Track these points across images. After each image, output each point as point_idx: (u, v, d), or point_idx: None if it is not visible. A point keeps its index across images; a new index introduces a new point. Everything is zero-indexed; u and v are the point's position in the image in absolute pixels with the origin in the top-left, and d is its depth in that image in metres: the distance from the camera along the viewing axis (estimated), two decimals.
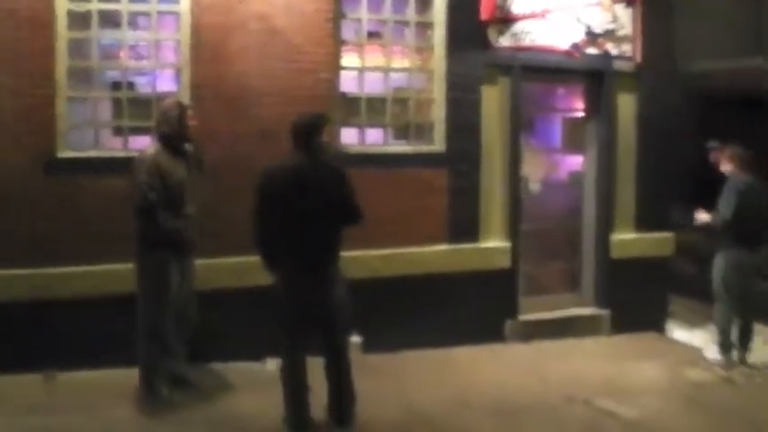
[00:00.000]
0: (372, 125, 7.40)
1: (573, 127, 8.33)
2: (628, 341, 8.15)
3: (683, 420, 6.05)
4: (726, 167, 7.56)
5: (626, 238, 8.32)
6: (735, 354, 7.55)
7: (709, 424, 6.02)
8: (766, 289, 10.07)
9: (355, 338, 6.80)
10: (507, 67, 7.65)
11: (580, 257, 8.36)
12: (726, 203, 7.32)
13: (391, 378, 6.59)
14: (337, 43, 7.08)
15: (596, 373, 7.05)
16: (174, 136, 5.60)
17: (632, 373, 7.10)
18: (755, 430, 5.99)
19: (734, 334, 7.60)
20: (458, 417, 5.86)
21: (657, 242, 8.44)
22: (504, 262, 7.75)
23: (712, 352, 7.69)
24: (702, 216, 7.58)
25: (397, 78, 7.52)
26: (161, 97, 6.29)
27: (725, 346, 7.58)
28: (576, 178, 8.32)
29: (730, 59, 16.56)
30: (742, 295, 7.46)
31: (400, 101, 7.42)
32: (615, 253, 8.25)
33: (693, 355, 7.82)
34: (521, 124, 7.80)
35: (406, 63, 7.52)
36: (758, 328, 8.94)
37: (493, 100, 7.66)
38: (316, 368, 5.14)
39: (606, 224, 8.22)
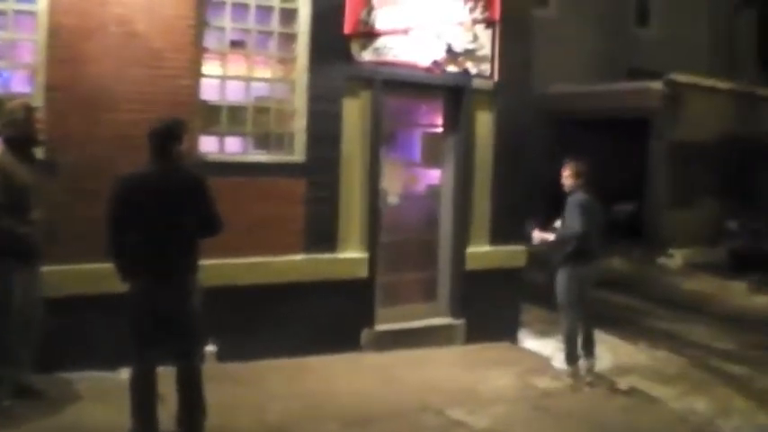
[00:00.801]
0: (233, 133, 7.39)
1: (432, 141, 8.54)
2: (481, 350, 8.41)
3: (530, 428, 6.33)
4: (569, 183, 7.83)
5: (481, 251, 8.60)
6: (582, 363, 7.88)
7: (555, 430, 6.31)
8: (611, 299, 10.67)
9: (210, 347, 6.78)
10: (369, 80, 7.78)
11: (436, 268, 8.57)
12: (574, 218, 7.62)
13: (246, 387, 6.59)
14: (199, 50, 7.03)
15: (450, 383, 7.25)
16: (20, 139, 5.43)
17: (484, 382, 7.34)
18: None
19: (580, 343, 7.93)
20: (311, 427, 5.92)
21: (511, 254, 8.77)
22: (362, 272, 7.87)
23: (560, 361, 8.01)
24: (540, 235, 7.86)
25: (259, 87, 7.54)
26: (10, 98, 6.06)
27: (571, 356, 7.88)
28: (434, 191, 8.54)
29: (585, 83, 17.49)
30: (583, 306, 7.81)
31: (261, 110, 7.43)
32: (470, 264, 8.51)
33: (543, 363, 8.17)
34: (381, 137, 7.95)
35: (268, 73, 7.54)
36: (603, 336, 9.51)
37: (354, 112, 7.78)
38: (168, 378, 5.08)
39: (462, 236, 8.47)
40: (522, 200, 8.90)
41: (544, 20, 18.82)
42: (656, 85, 15.87)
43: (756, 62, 22.34)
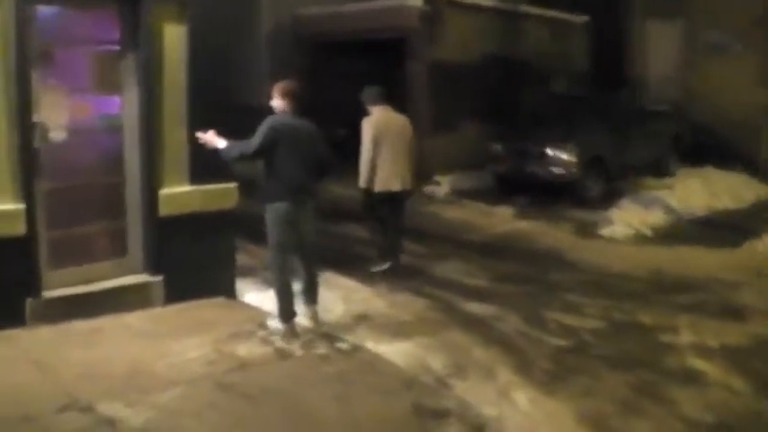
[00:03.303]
0: None
1: (107, 62, 6.94)
2: (183, 311, 7.05)
3: (201, 419, 5.03)
4: (277, 105, 6.77)
5: (178, 191, 7.18)
6: (303, 314, 6.84)
7: (233, 419, 5.06)
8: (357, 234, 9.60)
9: None
10: None
11: (125, 217, 7.07)
12: (255, 136, 6.51)
13: None
14: None
15: (124, 361, 5.84)
16: None
17: (168, 357, 5.97)
18: (293, 420, 5.13)
19: (300, 291, 6.91)
20: None
21: (218, 193, 7.41)
22: (18, 228, 6.24)
23: (275, 319, 6.85)
24: (210, 138, 6.60)
25: None
26: None
27: (285, 312, 6.75)
28: (114, 123, 6.96)
29: (331, 5, 16.28)
30: (303, 247, 6.81)
31: None
32: (166, 209, 7.08)
33: (258, 322, 6.89)
34: (32, 57, 6.27)
35: None
36: (336, 279, 8.42)
37: None
38: None
39: (153, 176, 7.00)
40: (234, 127, 7.46)
41: None
42: (415, 2, 14.82)
43: None
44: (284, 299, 6.72)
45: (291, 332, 6.64)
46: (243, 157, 6.55)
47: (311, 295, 6.98)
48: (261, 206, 6.75)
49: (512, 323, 7.47)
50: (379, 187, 8.99)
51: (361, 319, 7.38)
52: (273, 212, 6.61)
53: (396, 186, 9.04)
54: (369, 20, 15.34)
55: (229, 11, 18.15)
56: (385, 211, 9.18)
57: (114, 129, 6.95)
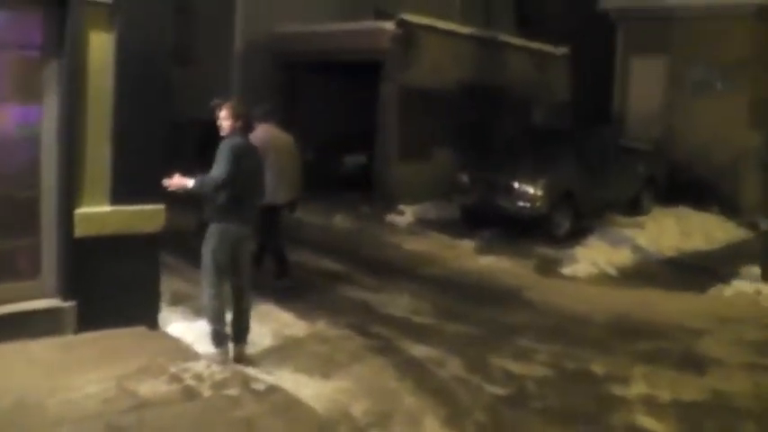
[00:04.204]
0: None
1: (25, 68, 6.45)
2: (95, 341, 6.50)
3: None
4: (226, 125, 6.54)
5: (98, 211, 6.65)
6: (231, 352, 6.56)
7: None
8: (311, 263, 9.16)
9: None
10: None
11: (38, 236, 6.55)
12: (219, 164, 6.31)
13: None
14: None
15: (12, 394, 5.32)
16: None
17: (64, 392, 5.44)
18: None
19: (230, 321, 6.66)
20: None
21: (142, 215, 6.87)
22: None
23: (205, 345, 6.59)
24: (178, 180, 6.36)
25: None
26: None
27: (218, 336, 6.55)
28: (30, 134, 6.45)
29: (313, 24, 15.90)
30: (237, 273, 6.63)
31: None
32: (83, 229, 6.55)
33: (173, 355, 6.37)
34: None
35: None
36: (275, 311, 7.98)
37: None
38: None
39: (70, 193, 6.49)
40: (158, 146, 6.99)
41: None
42: (389, 25, 14.43)
43: (512, 18, 21.48)
44: (217, 322, 6.49)
45: (223, 357, 6.40)
46: (217, 189, 6.30)
47: (240, 332, 6.69)
48: (203, 224, 6.59)
49: (452, 368, 6.97)
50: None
51: (288, 356, 6.89)
52: (219, 233, 6.43)
53: (279, 200, 8.79)
54: (343, 41, 14.96)
55: (201, 25, 18.05)
56: (267, 225, 8.77)
57: (31, 139, 6.45)
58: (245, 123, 6.58)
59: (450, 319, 8.51)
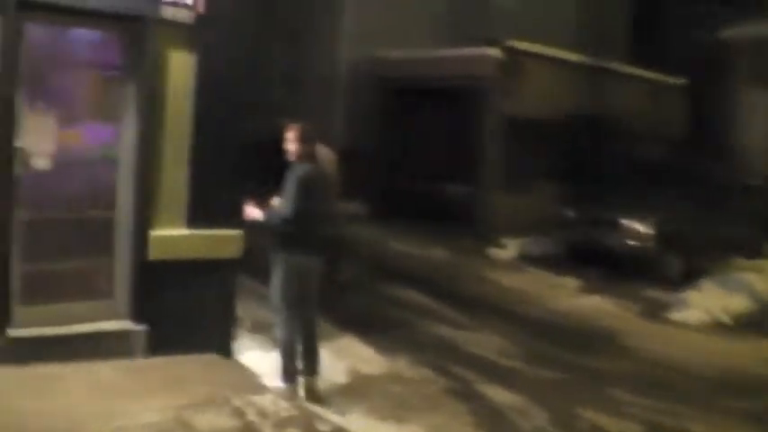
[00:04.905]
0: None
1: (105, 88, 6.39)
2: (163, 367, 6.33)
3: None
4: (293, 150, 6.29)
5: (173, 235, 6.51)
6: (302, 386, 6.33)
7: None
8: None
9: None
10: None
11: (112, 257, 6.44)
12: (287, 196, 6.09)
13: None
14: None
15: (66, 419, 5.16)
16: None
17: (119, 419, 5.25)
18: None
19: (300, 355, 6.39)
20: None
21: (219, 240, 6.69)
22: None
23: (276, 378, 6.34)
24: (250, 212, 6.16)
25: None
26: None
27: (287, 372, 6.33)
28: (107, 155, 6.37)
29: (417, 49, 15.66)
30: (306, 307, 6.33)
31: None
32: (157, 253, 6.42)
33: (239, 387, 6.13)
34: (19, 78, 5.78)
35: None
36: (356, 345, 7.69)
37: None
38: None
39: (145, 215, 6.37)
40: (238, 171, 6.83)
41: None
42: (494, 51, 14.02)
43: (628, 46, 20.70)
44: (287, 356, 6.30)
45: (292, 393, 6.19)
46: (286, 222, 6.07)
47: (310, 365, 6.41)
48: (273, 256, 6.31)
49: (535, 419, 6.48)
50: None
51: (362, 395, 6.55)
52: (289, 264, 6.21)
53: None
54: (447, 67, 14.66)
55: (307, 50, 18.13)
56: None
57: (107, 161, 6.36)
58: (312, 148, 6.31)
59: (541, 363, 7.98)
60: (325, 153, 8.45)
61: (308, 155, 6.26)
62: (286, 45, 18.80)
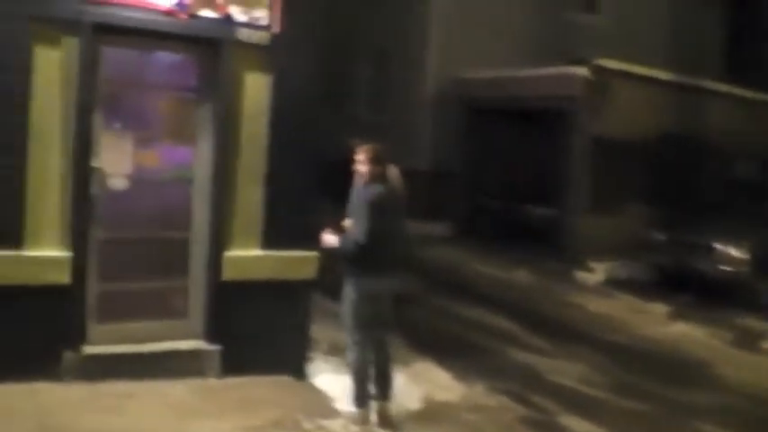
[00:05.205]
0: None
1: (181, 109, 6.47)
2: (235, 388, 6.32)
3: None
4: (364, 171, 6.10)
5: (248, 255, 6.52)
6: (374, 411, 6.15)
7: None
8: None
9: None
10: (73, 23, 5.73)
11: (186, 277, 6.48)
12: (360, 220, 5.94)
13: None
14: None
15: None
16: None
17: None
18: None
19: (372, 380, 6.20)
20: None
21: (293, 261, 6.67)
22: (61, 277, 5.82)
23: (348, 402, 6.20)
24: (326, 239, 6.13)
25: None
26: None
27: (359, 397, 6.15)
28: (183, 175, 6.43)
29: (500, 68, 15.46)
30: (378, 331, 6.16)
31: None
32: (231, 273, 6.44)
33: (310, 411, 6.07)
34: (95, 100, 5.91)
35: None
36: (434, 370, 7.54)
37: (52, 66, 5.74)
38: None
39: (220, 236, 6.39)
40: (312, 190, 6.80)
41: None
42: (581, 70, 13.71)
43: (722, 59, 20.04)
44: (359, 381, 6.13)
45: (363, 418, 6.05)
46: (363, 248, 5.87)
47: (383, 389, 6.25)
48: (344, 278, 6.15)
49: None
50: None
51: (435, 423, 6.38)
52: (360, 287, 6.04)
53: None
54: (532, 86, 14.41)
55: (394, 72, 18.13)
56: None
57: (183, 181, 6.42)
58: (384, 169, 6.12)
59: (625, 393, 7.65)
60: (394, 173, 8.41)
61: (379, 176, 6.12)
62: (371, 65, 18.90)
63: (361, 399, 6.17)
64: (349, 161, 6.20)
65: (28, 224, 5.72)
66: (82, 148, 5.83)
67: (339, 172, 7.20)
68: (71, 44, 5.76)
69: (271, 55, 6.43)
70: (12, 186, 5.64)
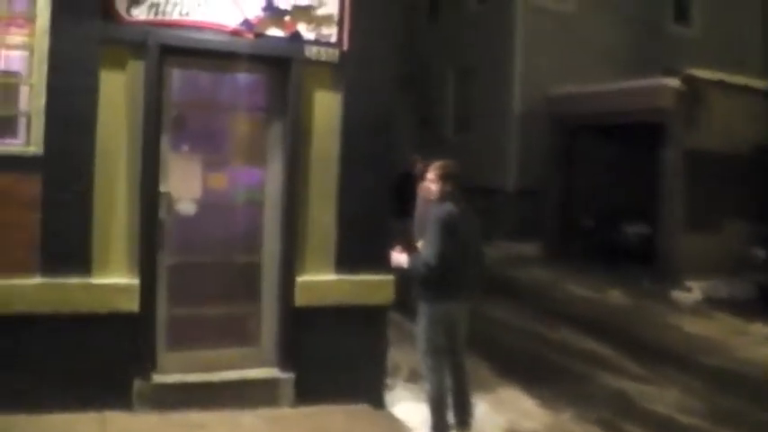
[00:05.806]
0: None
1: (250, 130, 6.34)
2: (309, 417, 6.11)
3: None
4: (435, 189, 5.96)
5: (321, 280, 6.32)
6: None
7: None
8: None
9: None
10: (140, 45, 5.68)
11: (258, 303, 6.32)
12: (430, 240, 5.73)
13: None
14: None
15: None
16: None
17: None
18: None
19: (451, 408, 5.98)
20: None
21: (369, 286, 6.43)
22: (130, 304, 5.72)
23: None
24: (397, 257, 5.91)
25: None
26: None
27: (438, 427, 5.91)
28: (253, 198, 6.29)
29: (591, 84, 15.00)
30: (454, 356, 5.97)
31: None
32: (304, 299, 6.24)
33: None
34: (162, 122, 5.82)
35: None
36: (519, 398, 7.21)
37: (119, 88, 5.69)
38: None
39: (292, 260, 6.20)
40: (386, 212, 6.57)
41: (561, 15, 16.62)
42: (673, 82, 13.15)
43: None
44: (437, 408, 5.89)
45: None
46: (433, 271, 5.66)
47: (462, 417, 5.97)
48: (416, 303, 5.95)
49: None
50: None
51: None
52: (433, 312, 5.83)
53: None
54: (622, 101, 13.90)
55: (480, 90, 17.86)
56: None
57: (253, 204, 6.28)
58: (456, 187, 5.91)
59: (725, 421, 7.13)
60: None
61: (450, 194, 5.88)
62: (457, 84, 18.68)
63: (439, 428, 5.92)
64: (409, 176, 6.00)
65: (95, 250, 5.65)
66: (149, 172, 5.75)
67: (400, 188, 6.97)
68: (137, 66, 5.70)
69: (341, 73, 6.26)
70: (81, 212, 5.59)
